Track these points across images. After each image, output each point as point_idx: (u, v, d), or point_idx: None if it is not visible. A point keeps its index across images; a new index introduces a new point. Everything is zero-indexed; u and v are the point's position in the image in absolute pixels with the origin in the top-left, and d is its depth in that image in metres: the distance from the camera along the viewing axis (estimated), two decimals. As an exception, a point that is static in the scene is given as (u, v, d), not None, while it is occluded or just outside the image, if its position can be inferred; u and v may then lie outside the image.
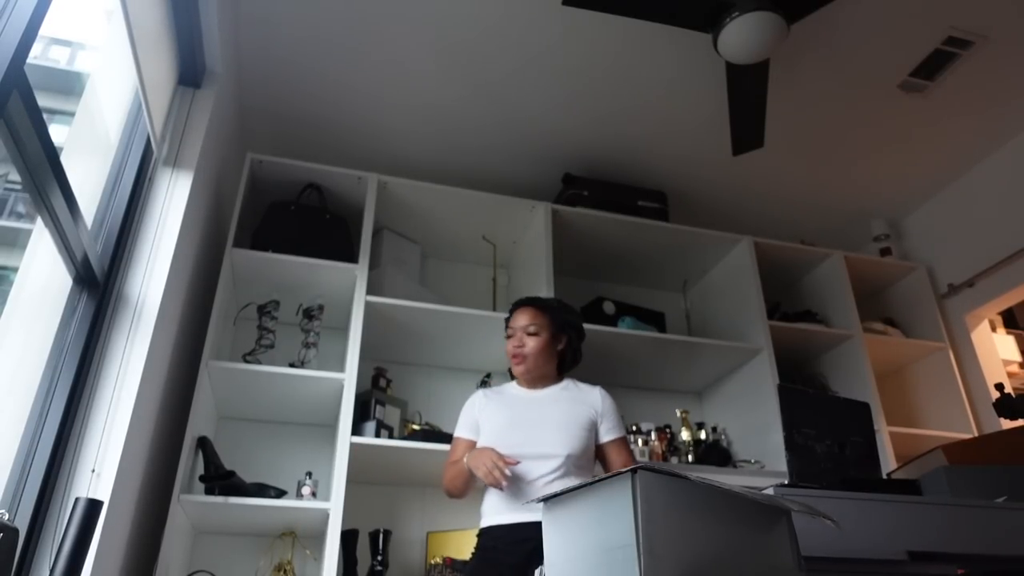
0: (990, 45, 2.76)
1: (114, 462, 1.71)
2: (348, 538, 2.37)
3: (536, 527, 1.83)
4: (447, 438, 2.38)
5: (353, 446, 2.36)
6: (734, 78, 2.60)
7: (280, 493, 2.32)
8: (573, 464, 1.98)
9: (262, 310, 2.64)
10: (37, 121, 1.36)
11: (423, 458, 2.50)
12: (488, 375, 2.91)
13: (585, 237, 3.21)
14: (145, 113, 1.96)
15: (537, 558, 1.79)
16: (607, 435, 2.08)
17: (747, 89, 2.64)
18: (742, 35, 2.34)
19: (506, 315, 2.25)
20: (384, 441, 2.48)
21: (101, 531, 1.51)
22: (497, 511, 1.97)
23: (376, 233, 2.92)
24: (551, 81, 2.93)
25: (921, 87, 2.97)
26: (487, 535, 1.98)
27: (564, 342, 2.18)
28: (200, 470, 2.33)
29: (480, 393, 2.19)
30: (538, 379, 2.14)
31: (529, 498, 1.89)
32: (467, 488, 2.02)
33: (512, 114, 3.11)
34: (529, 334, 2.11)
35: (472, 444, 2.08)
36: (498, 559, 1.91)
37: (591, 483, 1.06)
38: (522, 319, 2.15)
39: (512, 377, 2.21)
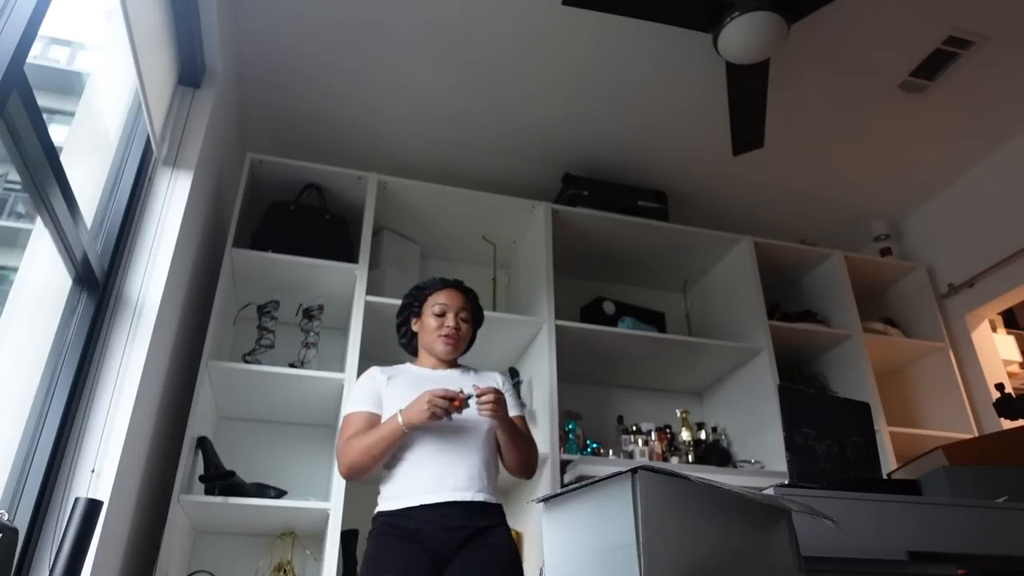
0: (990, 45, 2.76)
1: (114, 462, 1.71)
2: (348, 538, 2.37)
3: (468, 509, 1.78)
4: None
5: (353, 446, 2.35)
6: (734, 78, 2.60)
7: (280, 493, 2.32)
8: (492, 437, 1.92)
9: (262, 310, 2.64)
10: (37, 121, 1.36)
11: (423, 458, 2.50)
12: (488, 375, 2.91)
13: (585, 237, 3.21)
14: (145, 113, 1.96)
15: (467, 552, 1.75)
16: (510, 412, 1.96)
17: (747, 89, 2.64)
18: (742, 35, 2.34)
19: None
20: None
21: (101, 531, 1.51)
22: (423, 490, 1.80)
23: (376, 233, 2.92)
24: (551, 81, 2.93)
25: (921, 87, 2.97)
26: (406, 516, 1.78)
27: (474, 333, 2.14)
28: (200, 470, 2.33)
29: (377, 369, 2.01)
30: (446, 361, 2.06)
31: (457, 471, 1.81)
32: (386, 456, 1.84)
33: (512, 114, 3.11)
34: (463, 320, 2.05)
35: (377, 418, 1.90)
36: (424, 543, 1.74)
37: (591, 483, 1.06)
38: (458, 300, 2.07)
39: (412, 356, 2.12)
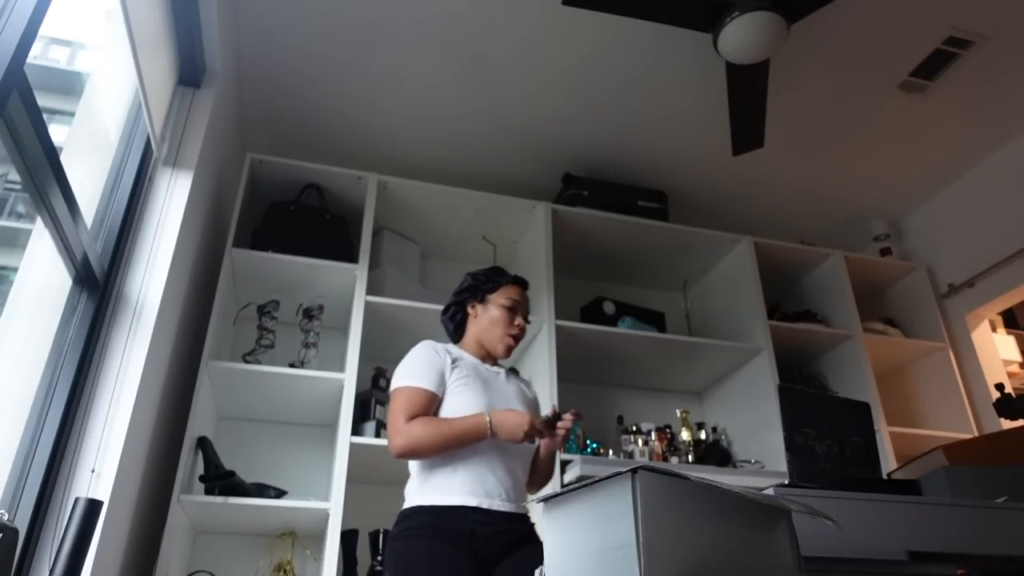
0: (990, 45, 2.76)
1: (114, 462, 1.71)
2: (348, 538, 2.37)
3: (517, 519, 1.78)
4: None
5: (353, 446, 2.36)
6: (734, 78, 2.60)
7: (280, 493, 2.32)
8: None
9: (262, 310, 2.64)
10: (37, 121, 1.36)
11: (423, 458, 2.50)
12: (488, 375, 2.91)
13: (585, 237, 3.21)
14: (145, 113, 1.96)
15: (516, 553, 1.73)
16: None
17: (747, 89, 2.64)
18: (742, 35, 2.34)
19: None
20: (384, 441, 2.46)
21: (101, 531, 1.51)
22: (479, 492, 1.74)
23: (376, 233, 2.92)
24: (551, 81, 2.93)
25: (921, 87, 2.97)
26: (460, 516, 1.71)
27: None
28: (200, 470, 2.33)
29: (440, 346, 1.93)
30: (491, 356, 2.00)
31: (508, 480, 1.79)
32: (451, 451, 1.77)
33: (512, 114, 3.11)
34: (527, 321, 2.01)
35: (436, 400, 1.83)
36: (476, 548, 1.69)
37: (591, 483, 1.06)
38: (525, 302, 2.02)
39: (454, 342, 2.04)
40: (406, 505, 1.80)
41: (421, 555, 1.69)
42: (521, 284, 2.05)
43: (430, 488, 1.78)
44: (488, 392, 1.86)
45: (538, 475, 1.94)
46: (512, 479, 1.81)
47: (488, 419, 1.74)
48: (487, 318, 1.98)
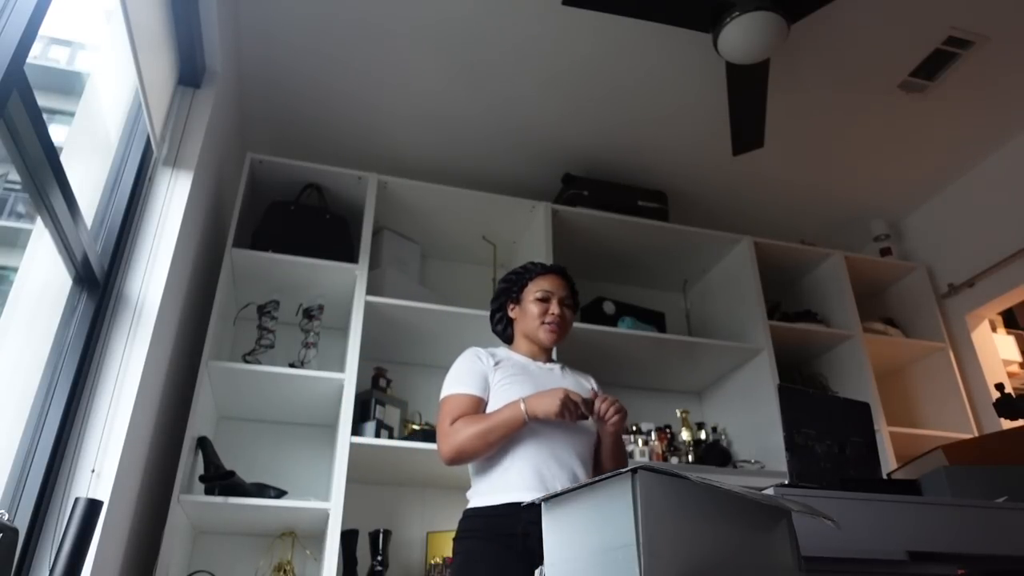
0: (990, 45, 2.76)
1: (114, 462, 1.71)
2: (348, 538, 2.37)
3: None
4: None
5: (353, 446, 2.36)
6: (734, 78, 2.60)
7: (280, 493, 2.32)
8: (593, 443, 1.87)
9: (262, 310, 2.64)
10: (37, 121, 1.36)
11: (423, 458, 2.50)
12: (488, 375, 2.91)
13: (585, 237, 3.21)
14: (145, 113, 1.96)
15: None
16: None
17: (747, 89, 2.64)
18: (742, 35, 2.34)
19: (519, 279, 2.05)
20: (384, 441, 2.48)
21: (101, 531, 1.51)
22: (531, 487, 1.70)
23: (376, 233, 2.92)
24: (551, 81, 2.94)
25: (921, 87, 2.97)
26: (513, 516, 1.65)
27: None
28: (200, 470, 2.33)
29: (481, 350, 1.94)
30: (544, 352, 2.01)
31: (562, 472, 1.74)
32: (500, 444, 1.75)
33: (512, 114, 3.11)
34: (566, 305, 1.99)
35: (482, 403, 1.84)
36: (529, 552, 1.60)
37: (591, 483, 1.06)
38: (561, 286, 2.01)
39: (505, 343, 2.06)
40: (467, 506, 1.82)
41: (472, 556, 1.72)
42: (553, 271, 2.05)
43: (484, 489, 1.79)
44: (536, 387, 1.83)
45: (610, 462, 1.86)
46: (571, 470, 1.77)
47: (522, 403, 1.74)
48: (524, 316, 2.00)
